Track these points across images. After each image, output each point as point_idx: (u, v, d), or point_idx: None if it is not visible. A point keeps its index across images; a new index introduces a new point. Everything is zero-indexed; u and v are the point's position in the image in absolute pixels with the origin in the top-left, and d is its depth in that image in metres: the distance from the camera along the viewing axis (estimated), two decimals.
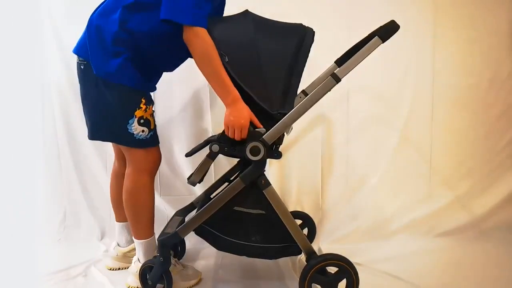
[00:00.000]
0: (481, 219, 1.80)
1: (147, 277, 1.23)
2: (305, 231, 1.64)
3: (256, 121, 1.11)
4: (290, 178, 1.86)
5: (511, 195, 1.83)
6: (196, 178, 1.19)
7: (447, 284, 1.35)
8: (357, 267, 1.46)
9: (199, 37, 1.06)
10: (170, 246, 1.21)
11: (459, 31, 1.81)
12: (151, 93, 1.28)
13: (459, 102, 1.85)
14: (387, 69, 1.81)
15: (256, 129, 1.11)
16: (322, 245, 1.67)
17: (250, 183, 1.12)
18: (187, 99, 1.81)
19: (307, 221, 1.65)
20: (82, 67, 1.20)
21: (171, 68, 1.35)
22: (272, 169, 1.84)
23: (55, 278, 1.38)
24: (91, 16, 1.21)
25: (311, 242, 1.63)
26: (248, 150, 1.10)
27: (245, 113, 1.09)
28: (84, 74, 1.20)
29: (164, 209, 1.81)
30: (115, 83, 1.15)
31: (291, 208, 1.80)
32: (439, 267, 1.48)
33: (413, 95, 1.82)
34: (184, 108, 1.81)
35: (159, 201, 1.81)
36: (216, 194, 1.17)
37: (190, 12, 1.04)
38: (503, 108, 1.85)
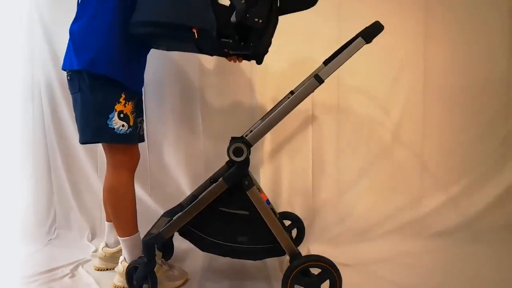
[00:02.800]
0: (473, 220, 1.79)
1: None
2: (294, 232, 1.64)
3: None
4: (281, 179, 1.85)
5: (503, 196, 1.82)
6: None
7: (435, 285, 1.34)
8: (345, 268, 1.46)
9: None
10: (155, 247, 1.21)
11: (451, 32, 1.80)
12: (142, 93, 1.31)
13: (451, 103, 1.84)
14: (379, 70, 1.81)
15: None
16: (312, 246, 1.67)
17: (233, 184, 1.13)
18: (178, 100, 1.81)
19: (297, 222, 1.64)
20: (68, 78, 1.26)
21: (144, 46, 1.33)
22: (263, 170, 1.84)
23: (41, 279, 1.38)
24: None
25: (300, 243, 1.64)
26: (231, 151, 1.10)
27: None
28: (70, 84, 1.26)
29: (155, 209, 1.81)
30: (95, 73, 1.18)
31: (282, 208, 1.79)
32: (429, 269, 1.47)
33: (405, 96, 1.82)
34: (174, 109, 1.81)
35: (149, 201, 1.83)
36: (199, 195, 1.17)
37: None
38: (495, 109, 1.84)
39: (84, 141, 1.29)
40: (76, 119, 1.29)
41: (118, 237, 1.33)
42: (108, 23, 1.17)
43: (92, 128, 1.23)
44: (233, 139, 1.16)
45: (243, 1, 1.03)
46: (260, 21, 1.04)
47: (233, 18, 1.05)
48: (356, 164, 1.85)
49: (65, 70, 1.28)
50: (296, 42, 1.78)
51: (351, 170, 1.85)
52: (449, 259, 1.55)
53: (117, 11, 1.17)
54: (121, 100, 1.22)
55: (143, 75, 1.36)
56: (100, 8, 1.17)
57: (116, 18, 1.17)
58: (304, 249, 1.64)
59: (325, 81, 1.72)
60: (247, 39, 1.08)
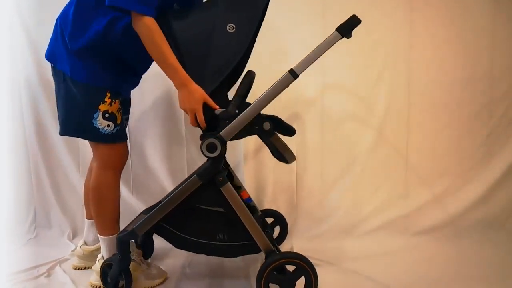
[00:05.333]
0: (458, 218, 1.78)
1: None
2: (277, 229, 1.63)
3: (210, 102, 1.10)
4: (265, 176, 1.84)
5: (485, 194, 1.81)
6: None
7: (416, 282, 1.34)
8: (328, 266, 1.46)
9: (142, 23, 1.07)
10: (133, 244, 1.19)
11: (435, 30, 1.80)
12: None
13: (435, 101, 1.83)
14: (363, 68, 1.80)
15: (217, 111, 1.10)
16: (296, 243, 1.65)
17: (207, 180, 1.11)
18: (159, 98, 1.79)
19: (279, 220, 1.63)
20: (52, 66, 1.25)
21: (140, 66, 1.34)
22: (247, 167, 1.82)
23: (16, 278, 1.36)
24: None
25: (282, 241, 1.63)
26: (204, 146, 1.09)
27: (196, 95, 1.08)
28: (55, 73, 1.24)
29: (138, 208, 1.79)
30: (77, 80, 1.17)
31: (266, 206, 1.78)
32: (412, 266, 1.46)
33: (389, 94, 1.81)
34: (157, 106, 1.79)
35: (132, 199, 1.81)
36: (173, 191, 1.15)
37: None
38: (478, 107, 1.83)
39: (64, 134, 1.27)
40: (57, 108, 1.26)
41: (98, 235, 1.31)
42: (95, 33, 1.14)
43: (76, 125, 1.21)
44: (206, 135, 1.14)
45: (237, 111, 1.10)
46: (220, 138, 1.10)
47: (217, 111, 1.10)
48: (340, 161, 1.84)
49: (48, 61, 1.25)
50: (281, 42, 1.76)
51: (335, 167, 1.83)
52: (433, 257, 1.54)
53: (107, 23, 1.14)
54: (106, 99, 1.19)
55: (135, 78, 1.34)
56: (92, 16, 1.14)
57: (105, 31, 1.14)
58: (288, 247, 1.62)
59: (310, 78, 1.76)
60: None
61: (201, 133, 1.15)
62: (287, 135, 1.24)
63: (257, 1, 1.14)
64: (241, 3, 1.15)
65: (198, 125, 1.13)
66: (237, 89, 1.15)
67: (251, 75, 1.21)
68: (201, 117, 1.10)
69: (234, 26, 1.08)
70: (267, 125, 1.11)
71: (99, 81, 1.18)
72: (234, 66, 1.09)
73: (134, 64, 1.29)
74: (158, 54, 1.08)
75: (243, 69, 1.30)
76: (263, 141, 1.16)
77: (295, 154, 1.79)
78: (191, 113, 1.10)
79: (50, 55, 1.23)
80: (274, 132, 1.14)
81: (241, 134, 1.11)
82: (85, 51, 1.16)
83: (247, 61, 1.27)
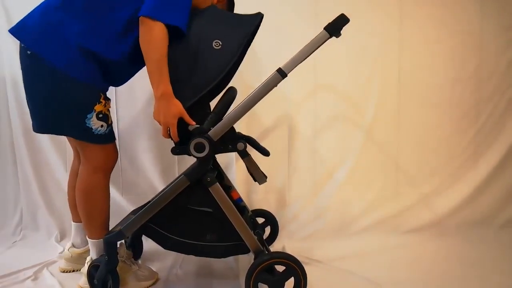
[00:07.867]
0: (447, 217, 1.81)
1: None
2: (268, 229, 1.62)
3: (187, 117, 1.08)
4: None
5: (473, 193, 1.84)
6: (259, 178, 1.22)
7: (402, 280, 1.35)
8: (316, 264, 1.46)
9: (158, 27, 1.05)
10: (122, 245, 1.17)
11: (424, 31, 1.82)
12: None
13: (424, 102, 1.85)
14: (353, 69, 1.81)
15: (191, 126, 1.08)
16: (288, 243, 1.65)
17: (195, 180, 1.10)
18: (150, 96, 1.77)
19: (270, 220, 1.63)
20: (29, 52, 1.11)
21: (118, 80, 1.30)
22: (239, 167, 1.81)
23: (2, 282, 1.33)
24: (46, 3, 1.16)
25: (273, 241, 1.63)
26: (192, 146, 1.07)
27: (173, 111, 1.06)
28: (33, 62, 1.11)
29: (128, 209, 1.76)
30: (77, 78, 1.11)
31: (257, 206, 1.78)
32: (399, 264, 1.48)
33: (380, 95, 1.82)
34: (147, 105, 1.77)
35: (121, 200, 1.78)
36: (161, 192, 1.14)
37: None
38: (466, 107, 1.86)
39: (46, 132, 1.22)
40: (35, 104, 1.15)
41: (88, 238, 1.28)
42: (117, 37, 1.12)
43: (66, 123, 1.15)
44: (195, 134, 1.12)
45: (211, 128, 1.08)
46: (208, 138, 1.08)
47: (191, 127, 1.08)
48: (331, 162, 1.84)
49: (21, 42, 1.13)
50: (272, 41, 1.75)
51: (326, 168, 1.84)
52: (422, 255, 1.56)
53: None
54: (101, 100, 1.16)
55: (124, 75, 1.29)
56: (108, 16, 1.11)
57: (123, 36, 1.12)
58: (280, 247, 1.62)
59: (301, 79, 1.75)
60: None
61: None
62: (262, 154, 1.25)
63: (248, 20, 1.12)
64: (231, 20, 1.13)
65: (170, 137, 1.11)
66: (215, 106, 1.14)
67: (232, 93, 1.19)
68: (174, 132, 1.08)
69: (220, 43, 1.06)
70: (240, 146, 1.12)
71: (97, 81, 1.16)
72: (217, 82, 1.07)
73: (116, 75, 1.25)
74: (158, 54, 1.05)
75: (228, 82, 1.28)
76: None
77: (287, 155, 1.82)
78: (164, 125, 1.09)
79: (33, 40, 1.10)
80: (247, 153, 1.14)
81: (218, 150, 1.11)
82: (94, 51, 1.11)
83: (233, 75, 1.25)
